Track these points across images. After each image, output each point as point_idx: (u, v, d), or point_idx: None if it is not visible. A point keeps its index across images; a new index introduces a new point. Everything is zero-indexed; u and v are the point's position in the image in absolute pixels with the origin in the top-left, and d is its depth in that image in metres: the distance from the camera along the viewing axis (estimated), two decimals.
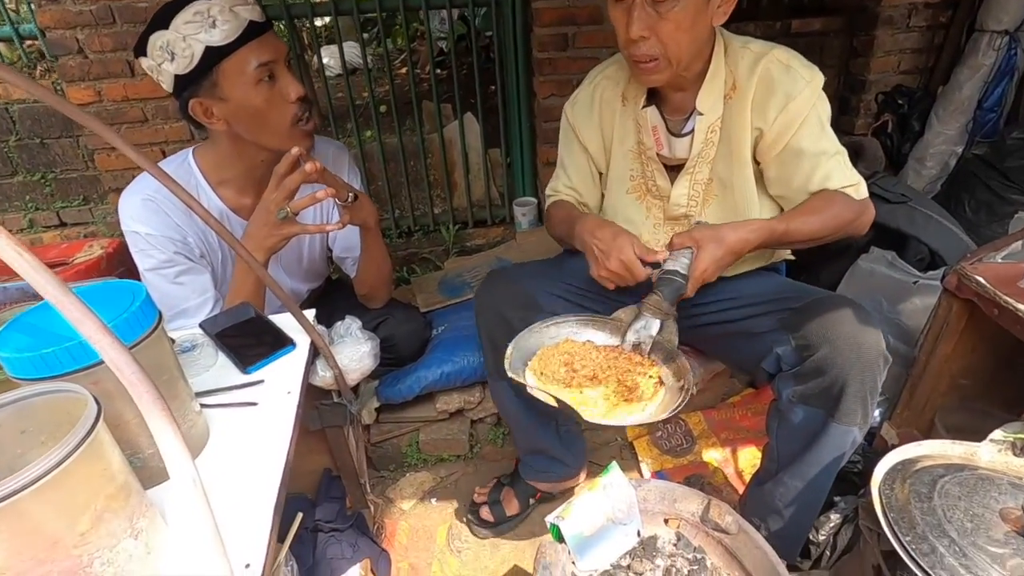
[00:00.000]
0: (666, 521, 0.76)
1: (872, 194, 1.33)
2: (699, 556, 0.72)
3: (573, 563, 0.70)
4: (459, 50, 3.02)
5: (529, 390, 0.90)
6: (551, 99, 2.12)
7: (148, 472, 0.71)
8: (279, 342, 0.99)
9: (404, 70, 3.98)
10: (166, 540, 0.64)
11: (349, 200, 1.14)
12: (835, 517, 1.19)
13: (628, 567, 0.71)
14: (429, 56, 2.36)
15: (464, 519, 1.43)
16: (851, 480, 1.27)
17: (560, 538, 0.70)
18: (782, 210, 1.16)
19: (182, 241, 1.16)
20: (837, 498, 1.23)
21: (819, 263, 1.59)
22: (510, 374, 0.94)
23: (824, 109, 1.06)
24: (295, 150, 1.06)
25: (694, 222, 1.13)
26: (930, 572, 0.55)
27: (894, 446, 1.29)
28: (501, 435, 1.61)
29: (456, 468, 1.57)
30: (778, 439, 1.09)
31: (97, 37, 1.82)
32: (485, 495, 1.43)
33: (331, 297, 1.57)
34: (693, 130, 1.11)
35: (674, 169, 1.17)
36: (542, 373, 0.99)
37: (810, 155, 1.05)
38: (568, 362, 0.99)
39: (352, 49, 2.95)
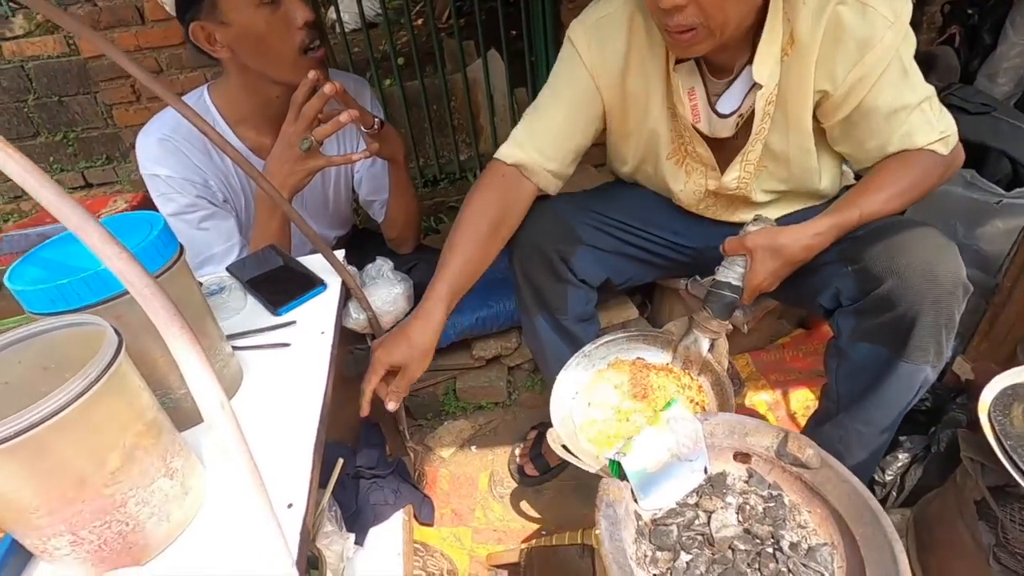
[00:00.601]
0: (735, 457, 0.70)
1: (950, 105, 1.18)
2: (775, 493, 0.66)
3: (636, 501, 0.65)
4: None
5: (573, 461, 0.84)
6: None
7: (181, 414, 0.67)
8: (309, 283, 0.94)
9: (421, 21, 3.81)
10: (204, 481, 0.60)
11: (375, 127, 1.07)
12: (903, 456, 1.12)
13: (696, 505, 0.66)
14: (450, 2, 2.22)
15: (508, 468, 1.40)
16: (917, 419, 1.19)
17: (620, 475, 0.64)
18: (846, 166, 1.03)
19: (203, 184, 1.11)
20: (903, 437, 1.15)
21: None
22: (554, 447, 0.87)
23: (909, 49, 0.86)
24: (312, 74, 0.98)
25: (751, 219, 0.95)
26: None
27: (968, 381, 1.20)
28: (539, 381, 1.56)
29: (495, 416, 1.54)
30: (838, 379, 0.99)
31: None
32: (527, 451, 1.39)
33: (358, 245, 1.52)
34: (740, 105, 0.92)
35: (714, 141, 0.99)
36: (589, 403, 0.96)
37: (889, 113, 0.87)
38: (619, 385, 0.97)
39: (369, 3, 2.82)
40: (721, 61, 0.90)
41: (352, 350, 1.10)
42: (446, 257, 1.00)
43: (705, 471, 0.68)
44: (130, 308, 0.58)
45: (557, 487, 1.35)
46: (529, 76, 2.26)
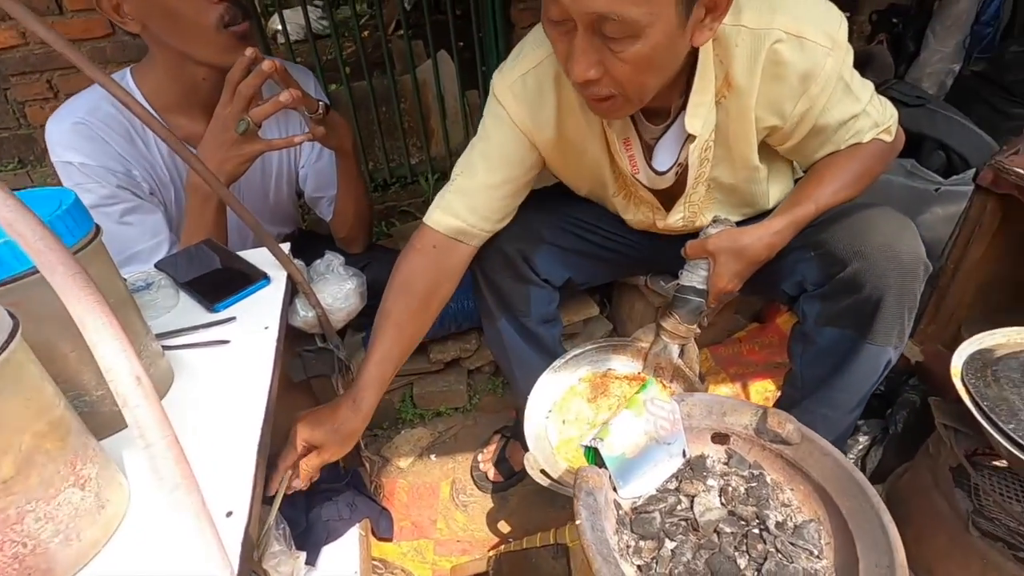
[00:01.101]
0: (713, 439, 0.68)
1: (887, 98, 1.23)
2: (756, 472, 0.63)
3: (614, 489, 0.61)
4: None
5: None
6: (532, 29, 1.96)
7: (99, 419, 0.58)
8: (250, 278, 0.86)
9: (367, 33, 3.74)
10: (126, 493, 0.52)
11: (320, 111, 1.00)
12: (863, 439, 1.13)
13: (677, 490, 0.63)
14: (400, 10, 2.17)
15: (471, 475, 1.34)
16: (872, 404, 1.21)
17: (598, 463, 0.60)
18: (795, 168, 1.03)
19: (125, 173, 1.00)
20: (860, 422, 1.17)
21: None
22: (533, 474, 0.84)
23: (848, 63, 0.83)
24: (249, 51, 0.91)
25: (710, 220, 0.94)
26: None
27: (918, 363, 1.24)
28: (500, 384, 1.51)
29: (455, 422, 1.47)
30: (803, 365, 0.99)
31: None
32: (490, 456, 1.33)
33: (305, 247, 1.42)
34: (677, 159, 0.88)
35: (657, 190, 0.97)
36: (564, 421, 0.94)
37: (839, 125, 0.86)
38: (592, 398, 0.96)
39: (315, 15, 2.72)
40: (654, 107, 0.84)
41: (300, 352, 1.02)
42: (377, 335, 0.90)
43: (684, 454, 0.65)
44: (32, 292, 0.50)
45: (523, 492, 1.29)
46: (480, 80, 2.23)
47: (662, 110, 0.86)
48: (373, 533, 1.15)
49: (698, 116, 0.80)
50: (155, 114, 1.04)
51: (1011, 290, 1.17)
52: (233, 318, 0.79)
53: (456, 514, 1.28)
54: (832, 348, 0.93)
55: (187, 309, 0.82)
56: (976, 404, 0.55)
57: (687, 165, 0.89)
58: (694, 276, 0.91)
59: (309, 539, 1.01)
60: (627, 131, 0.88)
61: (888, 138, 0.92)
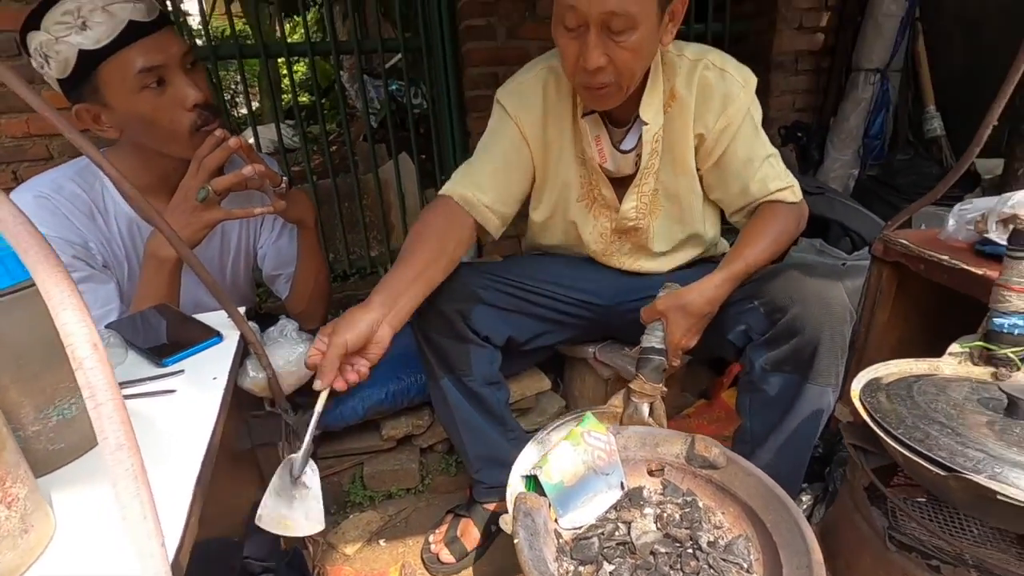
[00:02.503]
0: (650, 473, 0.70)
1: None
2: (689, 499, 0.66)
3: (555, 520, 0.62)
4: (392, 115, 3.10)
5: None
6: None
7: (30, 456, 0.57)
8: (202, 335, 0.87)
9: (335, 148, 4.03)
10: (52, 525, 0.51)
11: (283, 187, 1.07)
12: (806, 499, 1.16)
13: (616, 518, 0.64)
14: (366, 125, 2.38)
15: (421, 558, 1.27)
16: (811, 467, 1.26)
17: (537, 491, 0.62)
18: (723, 214, 1.21)
19: (82, 245, 1.03)
20: (804, 484, 1.21)
21: None
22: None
23: (757, 111, 1.09)
24: (218, 132, 0.99)
25: (662, 285, 1.07)
26: (930, 454, 0.52)
27: (848, 423, 1.31)
28: (454, 463, 1.48)
29: (406, 503, 1.42)
30: (751, 415, 1.07)
31: None
32: (441, 537, 1.28)
33: (260, 326, 1.44)
34: (637, 144, 1.09)
35: (617, 181, 1.15)
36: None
37: (747, 160, 1.07)
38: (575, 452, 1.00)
39: (287, 132, 2.96)
40: (618, 115, 1.08)
41: (247, 418, 1.00)
42: (394, 268, 1.01)
43: (622, 486, 0.67)
44: None
45: (477, 573, 1.23)
46: (438, 175, 2.41)
47: (624, 119, 1.09)
48: None
49: (650, 108, 1.04)
50: (117, 193, 1.10)
51: (922, 351, 1.28)
52: (182, 371, 0.79)
53: None
54: (779, 394, 1.01)
55: (137, 364, 0.82)
56: (871, 416, 0.61)
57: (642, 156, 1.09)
58: (652, 338, 1.00)
59: None
60: (598, 129, 1.09)
61: (794, 199, 1.10)
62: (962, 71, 2.29)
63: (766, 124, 2.49)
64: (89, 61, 0.92)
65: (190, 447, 0.62)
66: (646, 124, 1.04)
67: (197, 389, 0.75)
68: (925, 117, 2.30)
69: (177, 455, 0.61)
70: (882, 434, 0.57)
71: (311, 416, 0.84)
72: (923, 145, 2.31)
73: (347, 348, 0.90)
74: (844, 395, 1.34)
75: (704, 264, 1.27)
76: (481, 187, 1.10)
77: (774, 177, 1.08)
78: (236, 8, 4.96)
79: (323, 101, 3.40)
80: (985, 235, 0.95)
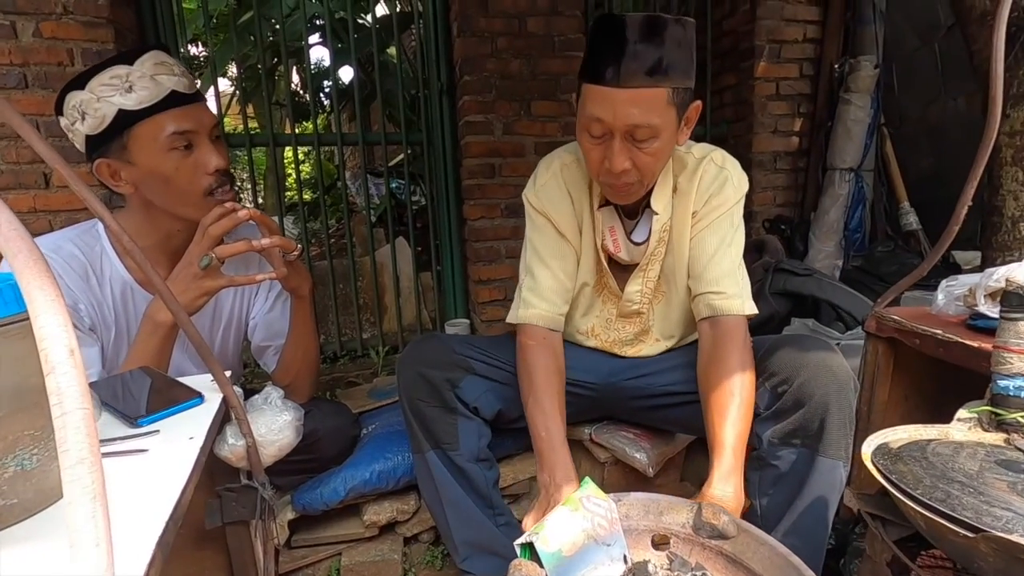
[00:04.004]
0: (655, 546, 0.64)
1: (783, 270, 1.46)
2: (698, 574, 0.60)
3: None
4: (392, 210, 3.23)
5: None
6: (481, 221, 2.25)
7: None
8: (181, 396, 0.84)
9: (333, 240, 4.16)
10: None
11: (295, 253, 1.09)
12: None
13: None
14: (367, 224, 2.48)
15: None
16: (826, 562, 1.18)
17: (533, 559, 0.56)
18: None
19: (72, 306, 1.03)
20: None
21: None
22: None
23: (739, 213, 1.11)
24: (229, 204, 1.02)
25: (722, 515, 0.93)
26: (953, 514, 0.48)
27: (859, 510, 1.24)
28: (440, 556, 1.37)
29: None
30: (761, 495, 1.01)
31: (14, 149, 1.78)
32: None
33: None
34: (648, 236, 1.12)
35: (621, 267, 1.18)
36: None
37: (717, 247, 1.08)
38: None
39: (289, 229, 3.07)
40: (631, 208, 1.12)
41: (220, 492, 0.93)
42: (547, 419, 1.01)
43: (625, 559, 0.61)
44: None
45: None
46: (434, 259, 2.45)
47: (635, 211, 1.13)
48: None
49: (660, 200, 1.08)
50: (116, 258, 1.11)
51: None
52: (157, 431, 0.75)
53: None
54: (791, 469, 0.97)
55: (112, 425, 0.78)
56: (886, 478, 0.58)
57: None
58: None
59: None
60: (613, 220, 1.13)
61: (751, 310, 1.06)
62: (930, 171, 2.44)
63: (751, 219, 2.60)
64: (126, 120, 0.99)
65: (157, 506, 0.57)
66: (656, 214, 1.08)
67: (171, 448, 0.70)
68: (900, 212, 2.42)
69: (142, 514, 0.56)
70: (901, 496, 0.53)
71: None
72: (902, 238, 2.41)
73: None
74: (851, 481, 1.28)
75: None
76: (553, 301, 1.13)
77: (734, 275, 1.07)
78: (250, 110, 5.30)
79: (325, 197, 3.55)
80: (975, 308, 0.96)
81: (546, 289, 1.13)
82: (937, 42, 2.35)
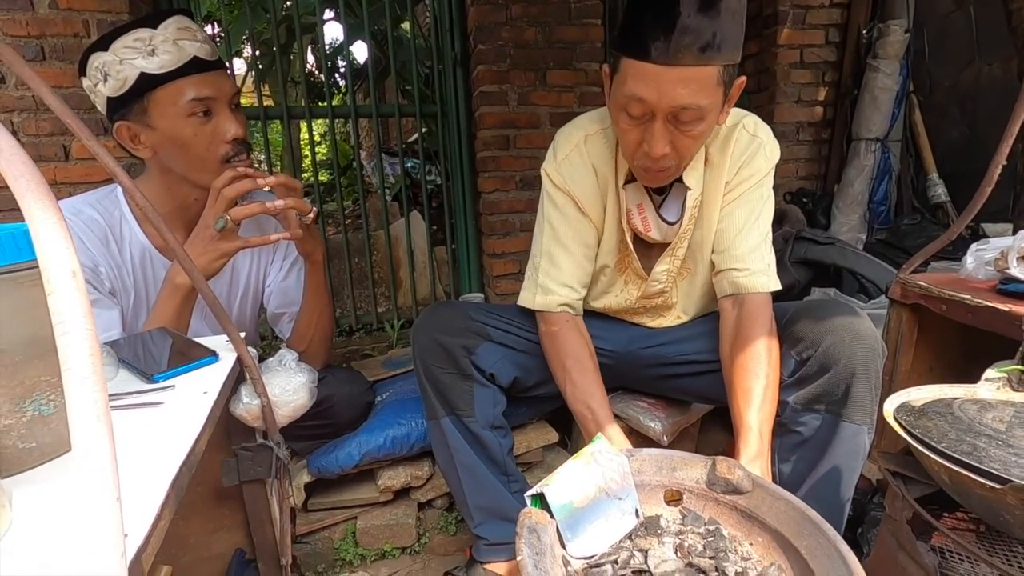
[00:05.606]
0: (668, 502, 0.64)
1: (805, 239, 1.41)
2: (712, 528, 0.59)
3: (563, 546, 0.55)
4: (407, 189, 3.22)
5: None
6: (495, 194, 2.23)
7: None
8: (197, 354, 0.85)
9: (349, 221, 4.18)
10: (7, 519, 0.46)
11: (310, 216, 1.09)
12: None
13: (631, 547, 0.57)
14: (383, 205, 2.47)
15: None
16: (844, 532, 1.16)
17: (544, 509, 0.56)
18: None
19: (92, 269, 1.04)
20: None
21: None
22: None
23: (770, 183, 1.06)
24: (241, 169, 1.02)
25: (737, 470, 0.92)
26: (981, 466, 0.47)
27: (879, 480, 1.22)
28: (453, 521, 1.38)
29: (400, 565, 1.31)
30: (783, 461, 1.00)
31: (34, 122, 1.80)
32: None
33: None
34: (681, 214, 1.06)
35: (647, 246, 1.12)
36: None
37: (746, 219, 1.04)
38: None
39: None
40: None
41: (236, 450, 0.95)
42: (589, 394, 1.01)
43: (637, 514, 0.61)
44: None
45: None
46: (448, 246, 2.45)
47: (663, 186, 1.06)
48: None
49: (693, 174, 1.02)
50: (136, 224, 1.12)
51: None
52: (172, 386, 0.76)
53: None
54: (814, 435, 0.95)
55: (127, 380, 0.79)
56: (909, 432, 0.56)
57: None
58: None
59: None
60: (641, 197, 1.07)
61: (775, 287, 1.03)
62: (961, 141, 2.35)
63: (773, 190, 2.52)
64: (147, 84, 0.99)
65: (171, 453, 0.58)
66: (690, 189, 1.02)
67: (186, 402, 0.71)
68: (928, 184, 2.34)
69: (158, 460, 0.57)
70: (923, 449, 0.51)
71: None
72: (929, 211, 2.33)
73: None
74: (870, 452, 1.26)
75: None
76: (574, 287, 1.10)
77: (762, 250, 1.03)
78: (265, 89, 5.29)
79: (341, 179, 3.57)
80: (1006, 271, 0.93)
81: (568, 276, 1.09)
82: (972, 3, 2.24)
